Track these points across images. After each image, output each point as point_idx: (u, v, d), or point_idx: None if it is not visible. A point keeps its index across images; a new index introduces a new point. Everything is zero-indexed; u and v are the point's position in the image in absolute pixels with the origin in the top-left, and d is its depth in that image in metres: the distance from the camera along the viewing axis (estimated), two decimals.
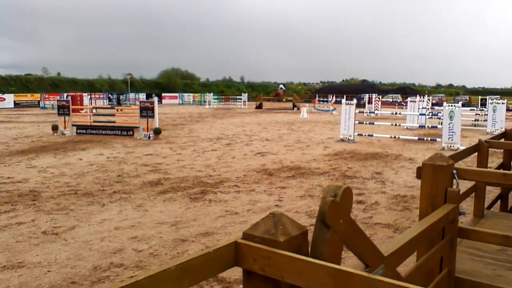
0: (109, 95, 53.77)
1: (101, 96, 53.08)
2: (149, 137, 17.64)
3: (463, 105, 22.00)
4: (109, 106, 40.65)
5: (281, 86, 59.54)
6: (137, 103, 19.82)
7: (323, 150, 14.79)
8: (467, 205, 6.87)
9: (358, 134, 17.93)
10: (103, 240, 5.96)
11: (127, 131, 18.61)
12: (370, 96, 41.99)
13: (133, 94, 57.21)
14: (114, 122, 19.78)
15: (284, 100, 52.30)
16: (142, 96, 49.51)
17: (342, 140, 17.53)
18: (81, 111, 25.94)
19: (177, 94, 62.27)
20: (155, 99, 19.05)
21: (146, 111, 18.00)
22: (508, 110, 31.96)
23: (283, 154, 13.84)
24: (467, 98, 59.99)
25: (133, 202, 7.88)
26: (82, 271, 4.96)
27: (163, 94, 60.13)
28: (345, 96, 38.69)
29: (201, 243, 5.89)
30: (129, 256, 5.41)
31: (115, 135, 18.50)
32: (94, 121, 20.52)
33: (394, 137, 18.21)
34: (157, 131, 17.78)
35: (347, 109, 17.89)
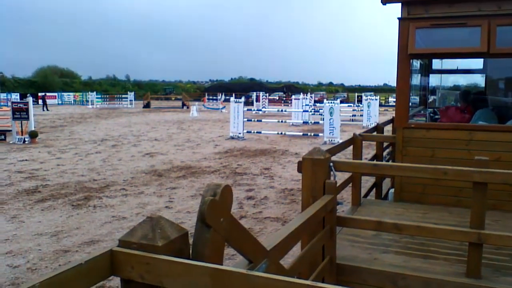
0: None
1: None
2: (24, 141, 16.15)
3: (341, 102, 23.67)
4: None
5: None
6: (9, 104, 18.01)
7: (214, 148, 14.85)
8: (348, 194, 7.37)
9: (247, 132, 18.31)
10: None
11: None
12: (258, 94, 43.11)
13: (5, 94, 51.90)
14: None
15: (173, 98, 51.50)
16: (15, 97, 45.07)
17: (232, 137, 17.77)
18: None
19: (55, 94, 57.77)
20: (30, 99, 17.50)
21: (20, 113, 16.45)
22: (381, 105, 35.12)
23: (173, 154, 13.61)
24: (345, 95, 64.56)
25: (6, 214, 7.15)
26: None
27: (39, 94, 55.34)
28: (234, 94, 39.28)
29: (85, 252, 5.53)
30: (3, 273, 4.91)
31: None
32: None
33: (281, 133, 18.94)
34: (33, 134, 16.35)
35: (236, 107, 18.18)
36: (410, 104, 5.76)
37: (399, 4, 5.20)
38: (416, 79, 7.62)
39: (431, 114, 7.08)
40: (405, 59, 5.18)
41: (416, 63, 7.16)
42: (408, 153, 5.27)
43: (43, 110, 39.25)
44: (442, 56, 6.45)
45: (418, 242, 3.83)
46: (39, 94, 54.51)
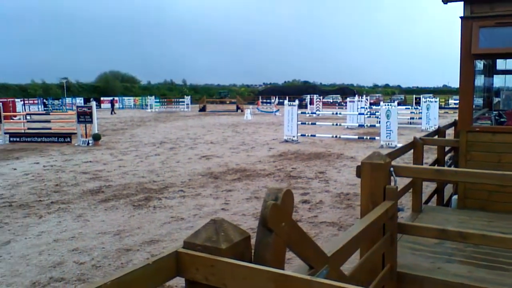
0: (44, 100, 51.31)
1: (35, 101, 50.51)
2: (88, 143, 17.00)
3: (399, 104, 23.02)
4: (44, 112, 38.69)
5: None
6: (74, 108, 19.04)
7: (268, 152, 14.90)
8: (407, 200, 7.15)
9: (301, 135, 18.24)
10: (41, 254, 5.66)
11: (65, 137, 17.84)
12: (312, 97, 42.83)
13: (70, 98, 54.97)
14: (50, 128, 18.91)
15: (228, 102, 52.35)
16: (80, 101, 47.61)
17: (286, 141, 17.76)
18: (14, 118, 24.55)
19: (117, 98, 60.44)
20: (93, 103, 18.42)
21: (84, 116, 17.35)
22: (440, 108, 33.81)
23: (228, 156, 13.80)
24: (403, 97, 62.70)
25: (72, 212, 7.55)
26: None
27: (101, 98, 58.09)
28: (287, 98, 39.24)
29: (146, 251, 5.73)
30: (70, 269, 5.17)
31: (51, 142, 17.66)
32: (29, 128, 19.52)
33: (336, 136, 18.69)
34: (96, 137, 17.17)
35: (290, 110, 18.16)
36: (474, 106, 5.51)
37: (461, 3, 5.00)
38: (479, 80, 7.27)
39: (497, 117, 6.73)
40: (468, 59, 4.97)
41: (479, 63, 6.83)
42: (473, 158, 5.04)
43: (112, 113, 41.02)
44: (508, 56, 6.13)
45: (483, 251, 3.65)
46: (103, 98, 57.24)
